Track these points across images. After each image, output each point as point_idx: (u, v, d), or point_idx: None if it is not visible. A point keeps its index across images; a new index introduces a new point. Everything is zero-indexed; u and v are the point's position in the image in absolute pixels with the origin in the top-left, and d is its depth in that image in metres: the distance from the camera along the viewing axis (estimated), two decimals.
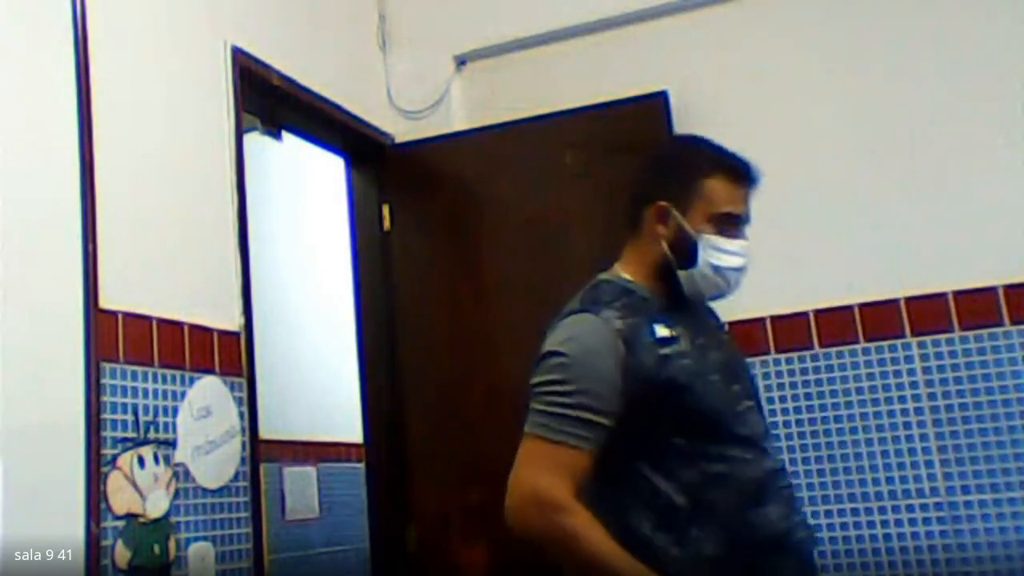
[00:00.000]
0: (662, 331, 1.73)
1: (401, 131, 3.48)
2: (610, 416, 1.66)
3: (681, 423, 1.70)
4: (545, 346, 1.75)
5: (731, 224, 1.80)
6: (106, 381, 2.11)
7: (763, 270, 2.92)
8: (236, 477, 2.42)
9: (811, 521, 2.88)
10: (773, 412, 2.95)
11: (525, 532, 1.63)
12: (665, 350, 1.71)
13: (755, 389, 1.91)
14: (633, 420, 1.67)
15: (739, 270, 1.81)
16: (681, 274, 1.79)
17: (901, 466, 2.86)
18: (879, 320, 2.93)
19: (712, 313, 1.98)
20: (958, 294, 2.87)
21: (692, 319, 1.83)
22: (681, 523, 1.66)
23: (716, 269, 1.78)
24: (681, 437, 1.70)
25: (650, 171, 1.91)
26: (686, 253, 1.78)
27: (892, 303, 2.92)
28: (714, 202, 1.78)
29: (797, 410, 2.96)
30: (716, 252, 1.77)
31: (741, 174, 1.82)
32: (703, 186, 1.79)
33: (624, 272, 1.85)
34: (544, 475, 1.62)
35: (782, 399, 2.97)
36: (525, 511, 1.63)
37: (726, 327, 2.10)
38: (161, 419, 2.24)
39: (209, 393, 2.39)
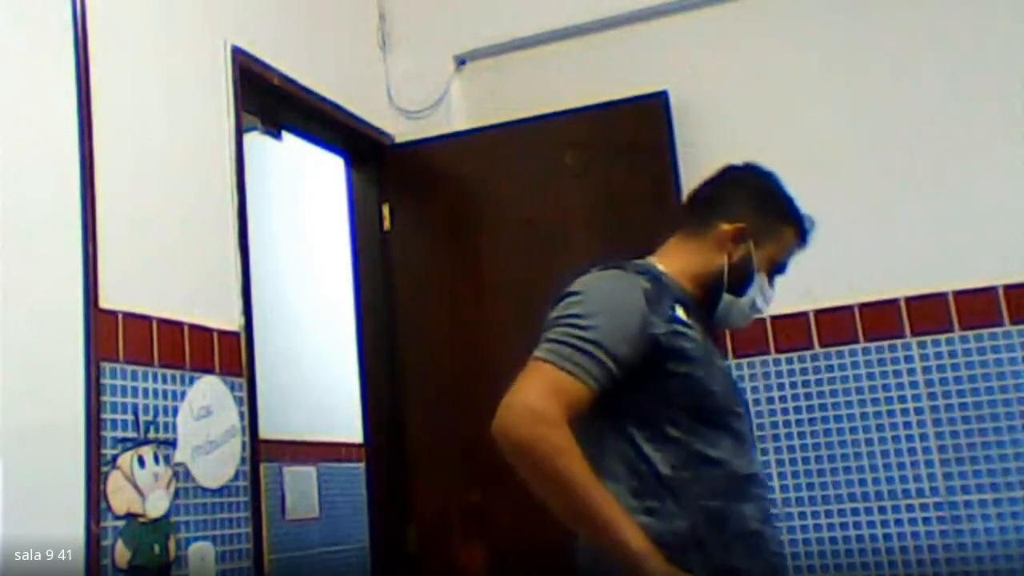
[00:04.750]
0: (681, 314, 1.71)
1: (401, 131, 3.48)
2: (619, 364, 1.60)
3: (683, 395, 1.67)
4: (567, 287, 1.72)
5: (776, 274, 1.88)
6: (106, 381, 2.11)
7: None
8: (236, 477, 2.42)
9: (811, 521, 2.90)
10: (773, 412, 2.95)
11: (509, 440, 1.57)
12: (680, 328, 1.69)
13: (746, 403, 1.98)
14: (637, 380, 1.64)
15: (760, 316, 1.91)
16: (727, 297, 1.82)
17: (901, 466, 2.86)
18: (879, 320, 2.93)
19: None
20: (958, 294, 2.87)
21: (705, 326, 1.84)
22: (659, 492, 1.63)
23: (754, 309, 1.85)
24: (680, 410, 1.67)
25: (739, 189, 1.89)
26: (739, 282, 1.82)
27: (892, 303, 2.92)
28: (782, 251, 1.86)
29: (797, 410, 2.96)
30: (762, 295, 1.84)
31: (806, 235, 1.90)
32: (783, 232, 1.86)
33: (660, 264, 1.82)
34: (542, 393, 1.57)
35: (782, 399, 2.97)
36: (515, 420, 1.57)
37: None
38: (161, 419, 2.24)
39: (209, 393, 2.39)
